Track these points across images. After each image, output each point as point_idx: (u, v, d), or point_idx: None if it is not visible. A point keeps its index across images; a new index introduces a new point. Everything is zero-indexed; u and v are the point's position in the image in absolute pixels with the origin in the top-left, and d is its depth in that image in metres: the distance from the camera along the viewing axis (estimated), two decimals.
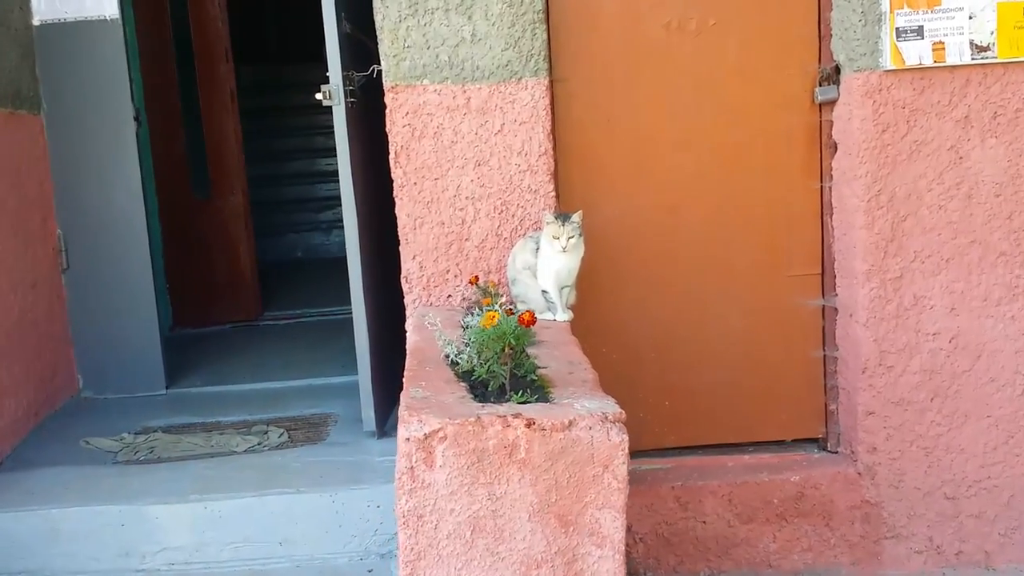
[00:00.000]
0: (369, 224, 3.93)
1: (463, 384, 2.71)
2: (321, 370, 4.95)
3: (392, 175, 3.58)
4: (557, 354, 3.00)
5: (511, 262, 3.42)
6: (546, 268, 3.25)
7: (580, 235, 3.24)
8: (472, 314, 3.18)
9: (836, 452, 3.91)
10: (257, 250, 6.51)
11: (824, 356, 3.89)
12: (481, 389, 2.68)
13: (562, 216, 3.22)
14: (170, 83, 6.03)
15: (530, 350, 2.99)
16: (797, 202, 3.79)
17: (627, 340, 3.81)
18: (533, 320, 2.57)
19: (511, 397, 2.55)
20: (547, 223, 3.23)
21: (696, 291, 3.82)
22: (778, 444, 3.96)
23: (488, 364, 2.65)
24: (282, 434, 4.12)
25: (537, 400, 2.56)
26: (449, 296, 3.67)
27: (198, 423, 4.38)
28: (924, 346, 3.69)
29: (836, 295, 3.80)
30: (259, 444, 4.02)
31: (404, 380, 2.76)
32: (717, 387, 3.89)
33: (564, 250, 3.21)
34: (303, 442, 4.02)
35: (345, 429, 4.10)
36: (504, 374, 2.62)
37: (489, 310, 2.74)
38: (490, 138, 3.52)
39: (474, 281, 3.48)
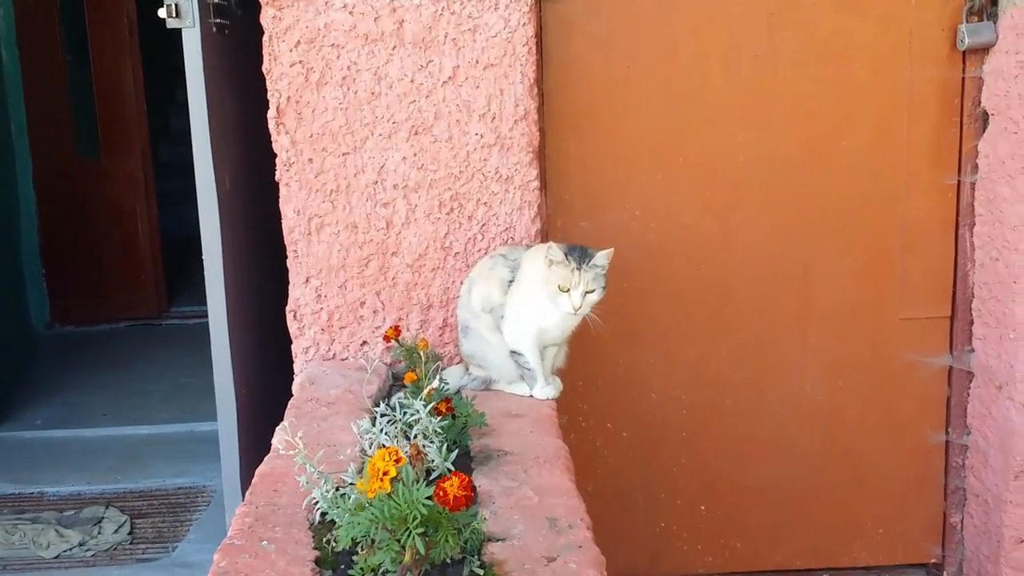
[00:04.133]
0: (250, 206, 2.89)
1: None
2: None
3: (274, 145, 2.43)
4: (527, 492, 1.76)
5: (464, 296, 2.29)
6: (526, 322, 2.16)
7: (603, 288, 2.09)
8: (378, 413, 1.77)
9: None
10: (178, 222, 5.29)
11: (947, 443, 3.00)
12: None
13: (578, 253, 2.09)
14: (50, 9, 5.07)
15: (479, 474, 1.81)
16: (918, 205, 2.90)
17: (646, 412, 2.92)
18: (468, 499, 1.17)
19: None
20: (552, 262, 2.09)
21: (754, 338, 2.94)
22: (868, 571, 3.11)
23: (377, 564, 1.28)
24: (121, 526, 3.16)
25: None
26: (364, 344, 2.46)
27: (11, 495, 3.33)
28: None
29: (972, 351, 2.87)
30: (80, 545, 3.04)
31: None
32: (780, 484, 3.02)
33: (575, 313, 2.09)
34: (147, 544, 2.96)
35: (213, 522, 3.01)
36: None
37: (380, 447, 1.35)
38: (435, 89, 2.44)
39: (393, 335, 2.11)
